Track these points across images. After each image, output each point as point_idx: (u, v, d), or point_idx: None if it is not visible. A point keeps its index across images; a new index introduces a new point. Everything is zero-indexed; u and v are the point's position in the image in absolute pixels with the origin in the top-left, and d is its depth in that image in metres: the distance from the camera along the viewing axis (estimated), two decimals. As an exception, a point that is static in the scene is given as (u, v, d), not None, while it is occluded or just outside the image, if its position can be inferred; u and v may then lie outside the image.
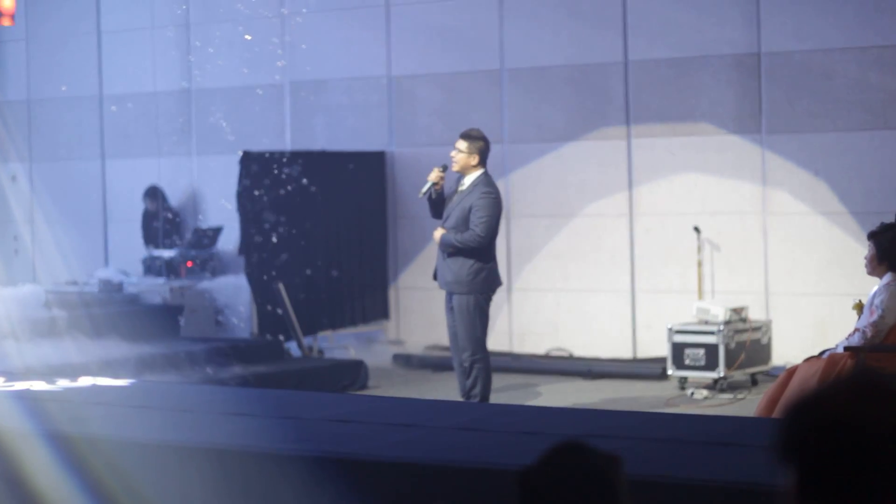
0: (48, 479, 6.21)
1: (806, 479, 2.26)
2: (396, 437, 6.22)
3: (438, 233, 10.31)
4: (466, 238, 10.14)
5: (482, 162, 10.30)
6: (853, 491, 2.22)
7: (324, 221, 13.76)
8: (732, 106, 12.75)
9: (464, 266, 10.22)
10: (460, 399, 10.33)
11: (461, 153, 10.27)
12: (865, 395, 2.25)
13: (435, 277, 10.55)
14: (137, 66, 15.81)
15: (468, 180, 10.32)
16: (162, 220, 15.40)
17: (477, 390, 10.21)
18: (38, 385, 8.14)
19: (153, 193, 15.52)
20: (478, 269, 10.23)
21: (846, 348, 8.39)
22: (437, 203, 10.45)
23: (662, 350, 12.21)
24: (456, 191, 10.41)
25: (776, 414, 8.31)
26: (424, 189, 10.45)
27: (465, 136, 10.34)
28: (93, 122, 16.32)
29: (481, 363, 10.24)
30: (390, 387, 12.42)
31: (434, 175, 10.39)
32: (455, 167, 10.33)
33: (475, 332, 10.22)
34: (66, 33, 16.43)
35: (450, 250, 10.23)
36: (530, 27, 13.68)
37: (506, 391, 11.84)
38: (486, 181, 10.31)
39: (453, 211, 10.28)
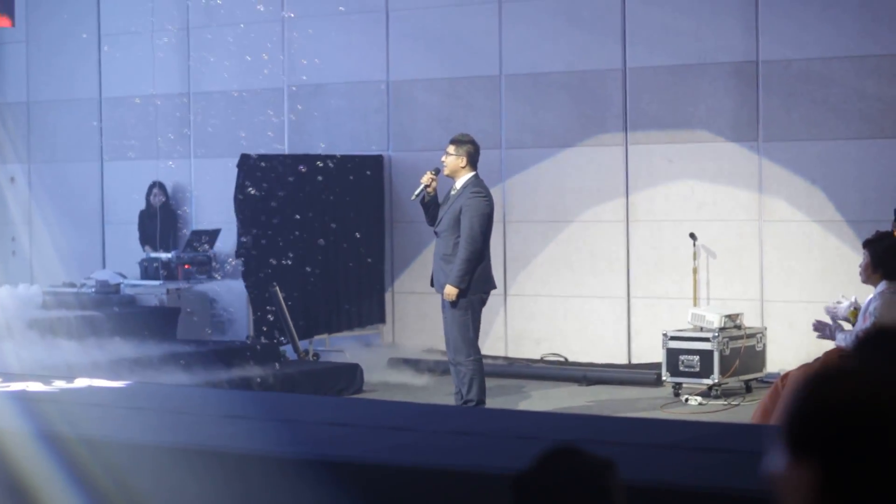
0: (43, 480, 6.22)
1: (833, 478, 1.94)
2: (391, 440, 6.24)
3: (448, 290, 10.32)
4: (461, 252, 10.27)
5: (472, 164, 10.51)
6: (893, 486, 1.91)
7: (321, 225, 13.77)
8: (730, 114, 12.78)
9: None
10: (456, 403, 10.38)
11: (450, 156, 10.52)
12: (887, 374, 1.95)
13: (432, 284, 10.65)
14: (137, 69, 15.83)
15: (459, 183, 10.52)
16: (159, 220, 15.39)
17: (473, 393, 10.27)
18: (35, 386, 8.15)
19: (161, 187, 15.53)
20: None
21: (841, 356, 8.43)
22: (431, 207, 10.59)
23: (657, 356, 12.23)
24: (448, 195, 10.57)
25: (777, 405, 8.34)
26: (417, 192, 10.63)
27: (454, 140, 10.63)
28: (92, 124, 16.33)
29: (475, 364, 10.32)
30: (386, 390, 12.44)
31: (426, 178, 10.57)
32: (446, 171, 10.55)
33: (467, 333, 10.32)
34: (66, 36, 16.44)
35: (466, 277, 10.27)
36: (529, 33, 13.71)
37: (500, 396, 11.85)
38: (476, 182, 10.49)
39: (445, 214, 10.46)
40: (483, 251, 10.39)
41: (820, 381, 1.99)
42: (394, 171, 14.47)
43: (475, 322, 10.40)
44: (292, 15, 14.84)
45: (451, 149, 10.57)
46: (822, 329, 8.70)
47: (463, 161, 10.50)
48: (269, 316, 13.10)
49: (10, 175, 16.73)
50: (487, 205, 10.45)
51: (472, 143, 10.59)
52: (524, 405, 11.62)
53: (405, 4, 14.37)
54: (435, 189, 10.59)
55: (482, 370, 10.44)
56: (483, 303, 10.49)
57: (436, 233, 10.63)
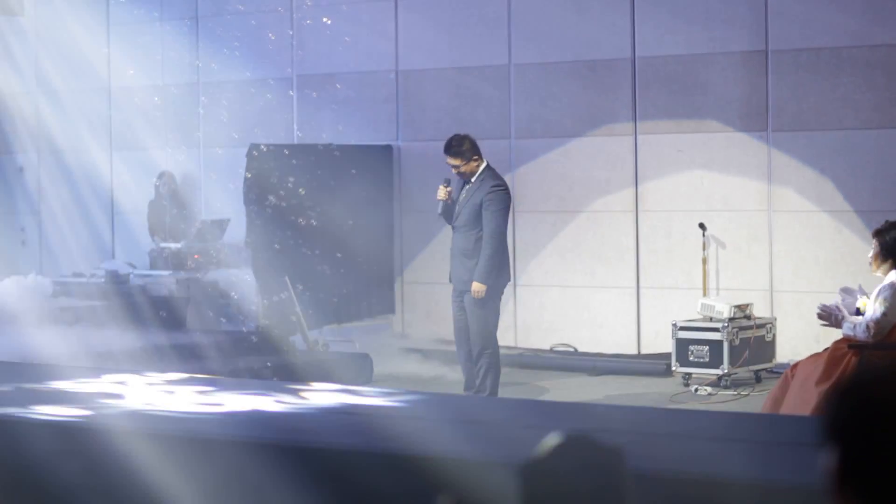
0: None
1: (847, 465, 2.11)
2: (401, 429, 6.24)
3: (476, 286, 10.29)
4: (486, 248, 10.26)
5: (480, 157, 10.48)
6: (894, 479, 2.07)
7: (330, 215, 13.76)
8: (739, 103, 12.76)
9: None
10: (464, 392, 10.39)
11: (460, 168, 10.43)
12: None
13: (451, 280, 10.65)
14: (146, 59, 15.83)
15: (474, 176, 10.45)
16: (169, 208, 15.39)
17: (487, 383, 10.29)
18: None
19: (170, 176, 15.54)
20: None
21: (850, 346, 8.42)
22: (448, 209, 10.59)
23: (667, 346, 12.22)
24: (463, 188, 10.53)
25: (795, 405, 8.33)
26: (439, 210, 10.62)
27: (451, 151, 10.50)
28: (100, 113, 16.33)
29: (492, 357, 10.34)
30: (395, 381, 12.44)
31: (442, 193, 10.55)
32: (464, 177, 10.48)
33: (488, 326, 10.33)
34: (75, 25, 16.43)
35: (492, 272, 10.26)
36: (538, 23, 13.69)
37: (510, 386, 11.85)
38: (493, 174, 10.46)
39: (463, 208, 10.41)
40: (505, 245, 10.44)
41: (848, 384, 2.16)
42: (403, 161, 14.46)
43: (495, 315, 10.42)
44: (308, 3, 14.83)
45: (456, 161, 10.44)
46: (827, 317, 8.67)
47: (475, 163, 10.45)
48: (282, 301, 13.10)
49: (18, 165, 16.74)
50: (508, 197, 10.48)
51: (465, 138, 10.52)
52: (533, 395, 11.62)
53: (414, -6, 14.37)
54: (450, 195, 10.60)
55: (499, 363, 10.46)
56: (500, 295, 10.52)
57: (453, 227, 10.59)
